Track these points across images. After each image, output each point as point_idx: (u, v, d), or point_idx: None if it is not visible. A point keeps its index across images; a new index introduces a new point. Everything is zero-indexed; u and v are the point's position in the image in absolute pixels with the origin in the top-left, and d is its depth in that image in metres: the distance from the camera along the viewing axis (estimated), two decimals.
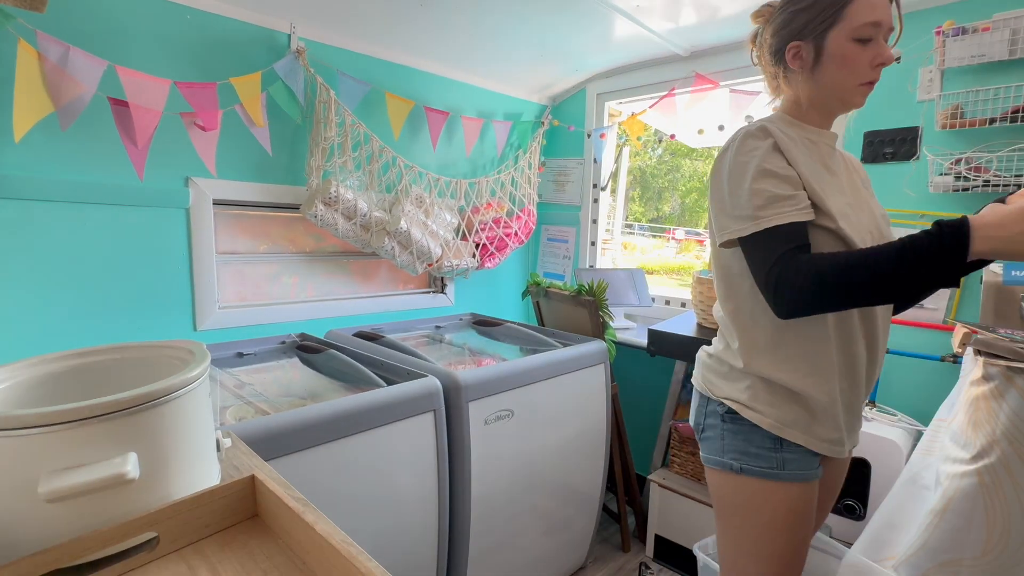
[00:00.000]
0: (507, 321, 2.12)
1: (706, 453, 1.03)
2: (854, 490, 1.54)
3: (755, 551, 0.98)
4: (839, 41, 0.88)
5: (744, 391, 0.97)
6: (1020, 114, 1.42)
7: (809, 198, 0.87)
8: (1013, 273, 1.45)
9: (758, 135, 0.89)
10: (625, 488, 2.11)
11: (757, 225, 0.84)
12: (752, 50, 1.06)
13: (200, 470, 0.62)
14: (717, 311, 1.07)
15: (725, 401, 0.99)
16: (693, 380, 1.12)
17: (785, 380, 0.93)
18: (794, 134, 0.93)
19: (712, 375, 1.04)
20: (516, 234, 2.43)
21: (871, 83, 0.90)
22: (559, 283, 2.14)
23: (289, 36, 1.79)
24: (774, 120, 0.95)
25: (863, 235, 0.90)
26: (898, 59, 1.60)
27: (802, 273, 0.80)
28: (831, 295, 0.80)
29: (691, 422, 1.10)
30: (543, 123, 2.61)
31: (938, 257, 0.75)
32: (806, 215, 0.85)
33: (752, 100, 1.94)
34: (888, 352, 1.65)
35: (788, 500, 0.95)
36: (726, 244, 0.92)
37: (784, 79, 0.97)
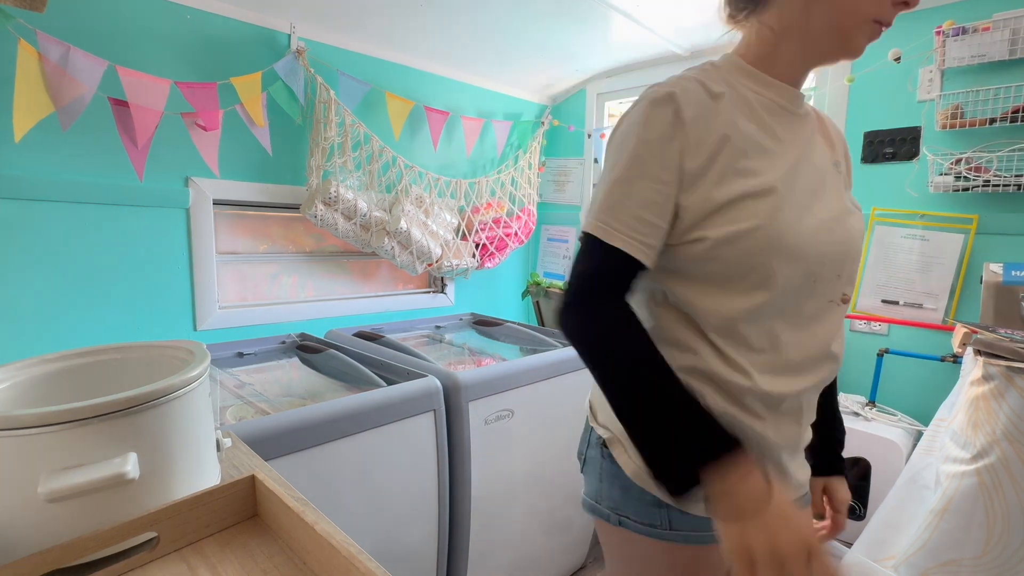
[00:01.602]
0: (507, 321, 2.12)
1: (583, 494, 0.80)
2: (854, 490, 1.54)
3: None
4: None
5: (612, 421, 0.74)
6: (1020, 114, 1.42)
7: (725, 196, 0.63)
8: (1013, 273, 1.45)
9: (661, 102, 0.64)
10: None
11: (596, 229, 0.64)
12: None
13: (200, 470, 0.62)
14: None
15: (600, 434, 0.76)
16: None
17: None
18: (743, 92, 0.68)
19: (594, 398, 0.81)
20: (516, 234, 2.43)
21: (881, 25, 0.65)
22: (559, 283, 2.13)
23: (289, 36, 1.79)
24: (713, 72, 0.69)
25: (813, 238, 0.65)
26: (898, 59, 1.56)
27: (582, 328, 0.64)
28: (596, 360, 0.64)
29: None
30: (543, 123, 2.61)
31: (674, 454, 0.59)
32: (644, 254, 0.64)
33: None
34: (888, 352, 1.66)
35: (679, 567, 0.72)
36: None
37: (754, 4, 0.69)
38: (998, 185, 1.45)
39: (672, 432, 0.59)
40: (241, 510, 0.60)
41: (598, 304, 0.64)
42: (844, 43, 0.66)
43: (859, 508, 1.53)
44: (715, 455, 0.57)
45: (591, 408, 0.82)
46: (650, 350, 0.63)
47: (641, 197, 0.64)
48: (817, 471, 0.86)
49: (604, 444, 0.75)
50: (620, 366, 0.62)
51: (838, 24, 0.65)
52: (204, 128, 1.58)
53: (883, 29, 0.65)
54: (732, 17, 0.73)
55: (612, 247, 0.63)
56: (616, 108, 2.57)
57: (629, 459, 0.72)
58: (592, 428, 0.80)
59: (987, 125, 1.47)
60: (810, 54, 0.69)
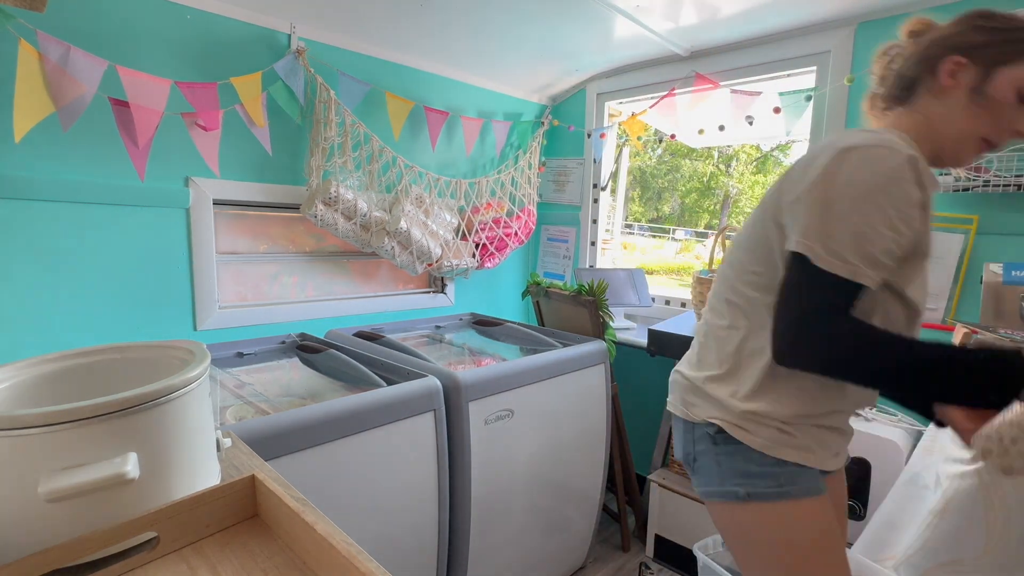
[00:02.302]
0: (507, 321, 2.12)
1: (704, 486, 0.91)
2: (854, 490, 1.54)
3: None
4: (1006, 83, 0.76)
5: (719, 407, 0.88)
6: None
7: (913, 254, 0.77)
8: (1013, 273, 1.45)
9: (906, 161, 0.73)
10: (625, 488, 2.11)
11: (844, 269, 0.71)
12: (881, 60, 0.91)
13: (200, 470, 0.62)
14: (701, 330, 0.97)
15: (709, 421, 0.89)
16: (670, 407, 1.00)
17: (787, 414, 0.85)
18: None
19: (691, 394, 0.93)
20: (516, 234, 2.43)
21: (990, 146, 0.78)
22: (559, 283, 2.14)
23: (289, 36, 1.79)
24: (905, 142, 0.77)
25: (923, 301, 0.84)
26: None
27: (840, 338, 0.71)
28: (850, 369, 0.73)
29: (678, 455, 0.99)
30: (543, 123, 2.61)
31: (982, 377, 0.68)
32: (876, 283, 0.74)
33: (753, 100, 1.94)
34: None
35: (811, 517, 0.84)
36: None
37: (909, 94, 0.84)
38: (998, 185, 1.45)
39: (978, 369, 0.68)
40: (241, 510, 0.60)
41: (849, 322, 0.73)
42: (953, 153, 0.81)
43: (859, 508, 1.53)
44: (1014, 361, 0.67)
45: (686, 409, 0.93)
46: (901, 335, 0.72)
47: (889, 241, 0.75)
48: None
49: (718, 431, 0.87)
50: (909, 352, 0.71)
51: (953, 137, 0.80)
52: (204, 128, 1.58)
53: (992, 149, 0.79)
54: (872, 107, 0.92)
55: (848, 281, 0.73)
56: (616, 108, 2.57)
57: (753, 435, 0.84)
58: (695, 425, 0.91)
59: None
60: (931, 153, 0.83)
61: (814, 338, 0.72)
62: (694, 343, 1.00)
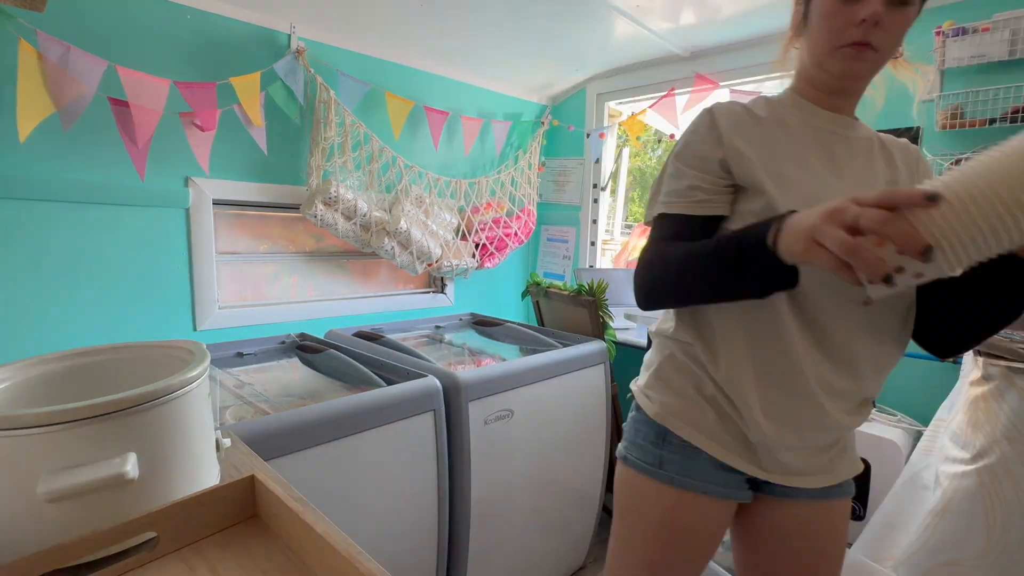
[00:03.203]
0: (507, 321, 2.12)
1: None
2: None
3: (623, 552, 0.88)
4: None
5: (648, 376, 0.90)
6: (1020, 114, 1.42)
7: (743, 185, 0.77)
8: None
9: (702, 115, 0.83)
10: None
11: (651, 212, 0.84)
12: None
13: (200, 470, 0.62)
14: None
15: (631, 389, 0.94)
16: None
17: (686, 350, 0.83)
18: (778, 114, 0.81)
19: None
20: (516, 234, 2.43)
21: (855, 45, 0.71)
22: (559, 283, 2.13)
23: (289, 36, 1.79)
24: (762, 99, 0.85)
25: None
26: (899, 58, 1.57)
27: (643, 262, 0.80)
28: (658, 284, 0.78)
29: None
30: (543, 123, 2.61)
31: (753, 247, 0.66)
32: (700, 208, 0.78)
33: None
34: None
35: (660, 506, 0.83)
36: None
37: (793, 46, 0.87)
38: None
39: (745, 242, 0.68)
40: (241, 510, 0.60)
41: (655, 248, 0.81)
42: (825, 70, 0.77)
43: (859, 508, 1.53)
44: (768, 228, 0.64)
45: (635, 387, 0.94)
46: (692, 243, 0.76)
47: (680, 173, 0.84)
48: None
49: (637, 403, 0.90)
50: (688, 251, 0.75)
51: (816, 59, 0.78)
52: (201, 128, 1.58)
53: (863, 49, 0.72)
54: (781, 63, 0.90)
55: (659, 216, 0.83)
56: (616, 108, 2.57)
57: (650, 402, 0.86)
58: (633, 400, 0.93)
59: (987, 126, 1.47)
60: (820, 86, 0.81)
61: (638, 272, 0.80)
62: None
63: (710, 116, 0.81)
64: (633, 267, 0.92)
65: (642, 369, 0.95)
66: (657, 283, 0.78)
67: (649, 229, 0.84)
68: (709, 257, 0.71)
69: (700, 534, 0.83)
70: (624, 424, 0.94)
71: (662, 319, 0.92)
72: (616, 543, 0.90)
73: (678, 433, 0.82)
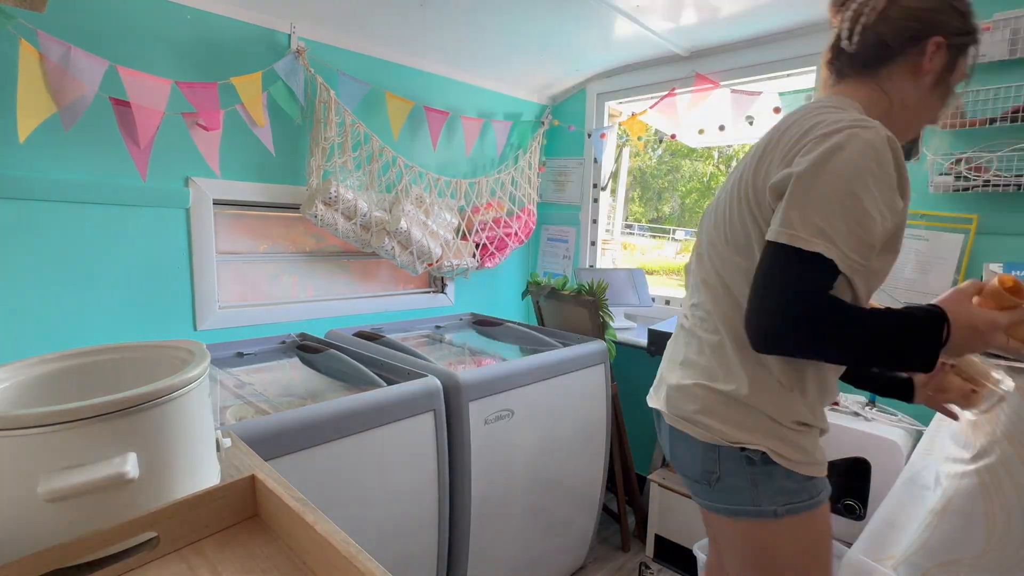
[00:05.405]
0: (507, 321, 2.12)
1: (732, 504, 0.88)
2: (854, 490, 1.54)
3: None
4: (960, 74, 0.78)
5: (766, 433, 0.83)
6: (1020, 114, 1.42)
7: (887, 246, 0.78)
8: (1013, 273, 1.45)
9: (884, 144, 0.72)
10: (625, 488, 2.11)
11: (839, 257, 0.71)
12: (844, 10, 0.83)
13: (200, 470, 0.62)
14: (709, 330, 0.89)
15: (748, 447, 0.84)
16: (670, 415, 0.94)
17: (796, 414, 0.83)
18: None
19: (714, 418, 0.87)
20: (516, 234, 2.43)
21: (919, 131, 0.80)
22: (560, 279, 2.13)
23: (289, 36, 1.79)
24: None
25: None
26: None
27: (825, 314, 0.71)
28: (830, 344, 0.73)
29: (687, 469, 0.95)
30: (543, 123, 2.61)
31: (927, 340, 0.73)
32: (858, 276, 0.76)
33: (753, 100, 1.94)
34: None
35: (827, 517, 0.89)
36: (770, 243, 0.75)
37: (880, 63, 0.80)
38: (998, 185, 1.45)
39: (921, 333, 0.73)
40: (241, 510, 0.60)
41: (830, 300, 0.75)
42: (904, 133, 0.80)
43: (859, 508, 1.53)
44: (939, 320, 0.73)
45: (720, 430, 0.86)
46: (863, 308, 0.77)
47: (877, 225, 0.77)
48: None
49: (761, 456, 0.83)
50: (873, 322, 0.74)
51: (915, 122, 0.83)
52: (205, 128, 1.58)
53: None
54: (833, 73, 0.87)
55: (833, 263, 0.75)
56: (616, 108, 2.57)
57: (788, 460, 0.83)
58: (722, 447, 0.86)
59: (987, 125, 1.47)
60: (901, 131, 0.81)
61: (804, 319, 0.71)
62: (700, 349, 0.92)
63: (894, 152, 0.72)
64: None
65: (727, 421, 0.86)
66: (834, 342, 0.73)
67: (783, 253, 0.72)
68: (897, 335, 0.73)
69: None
70: (728, 484, 0.88)
71: (757, 387, 0.84)
72: None
73: (818, 475, 0.86)
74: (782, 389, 0.83)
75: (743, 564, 0.91)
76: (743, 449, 0.84)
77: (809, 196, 0.71)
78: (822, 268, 0.71)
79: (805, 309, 0.71)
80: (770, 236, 0.74)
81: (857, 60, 0.82)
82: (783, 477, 0.84)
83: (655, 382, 1.05)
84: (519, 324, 2.04)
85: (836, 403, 1.70)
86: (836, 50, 0.85)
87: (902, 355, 0.73)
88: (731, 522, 0.89)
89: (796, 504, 0.84)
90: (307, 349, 1.68)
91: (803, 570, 0.88)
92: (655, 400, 1.01)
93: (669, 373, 0.98)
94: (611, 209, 2.72)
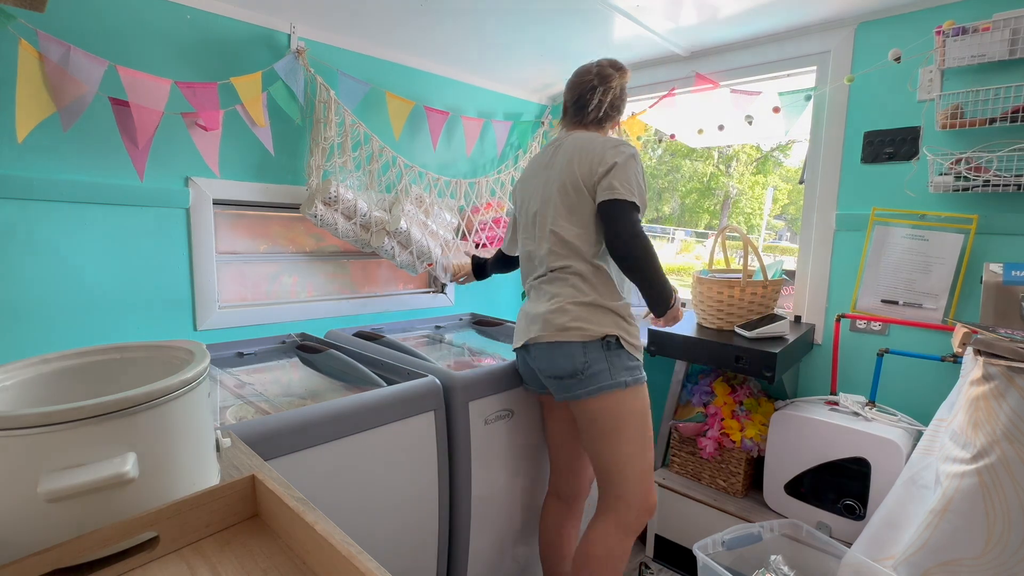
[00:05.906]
0: (507, 321, 2.12)
1: (596, 384, 1.27)
2: (854, 490, 1.54)
3: (647, 441, 1.34)
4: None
5: (614, 324, 1.29)
6: (1020, 114, 1.42)
7: None
8: (1013, 273, 1.45)
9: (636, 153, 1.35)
10: None
11: (634, 196, 1.27)
12: (596, 91, 1.41)
13: (200, 470, 0.62)
14: (567, 262, 1.33)
15: (607, 336, 1.28)
16: (550, 334, 1.31)
17: (626, 310, 1.34)
18: None
19: (583, 322, 1.28)
20: None
21: None
22: None
23: (289, 36, 1.79)
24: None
25: None
26: (898, 59, 1.66)
27: (650, 248, 1.27)
28: (650, 265, 1.27)
29: (561, 370, 1.30)
30: (543, 123, 2.61)
31: (665, 299, 1.33)
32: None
33: (752, 100, 1.94)
34: (888, 352, 1.66)
35: (646, 391, 1.36)
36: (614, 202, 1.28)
37: (605, 120, 1.45)
38: (998, 185, 1.45)
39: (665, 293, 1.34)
40: (241, 510, 0.60)
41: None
42: None
43: (859, 508, 1.53)
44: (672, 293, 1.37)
45: (582, 331, 1.28)
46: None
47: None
48: None
49: (616, 342, 1.28)
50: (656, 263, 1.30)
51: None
52: (205, 128, 1.58)
53: None
54: (583, 120, 1.47)
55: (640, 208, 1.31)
56: None
57: (629, 343, 1.31)
58: (586, 343, 1.28)
59: (987, 125, 1.47)
60: None
61: (642, 244, 1.24)
62: (548, 285, 1.37)
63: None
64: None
65: (592, 323, 1.29)
66: (651, 263, 1.27)
67: (629, 206, 1.26)
68: (662, 280, 1.32)
69: None
70: (591, 371, 1.27)
71: (606, 295, 1.33)
72: (643, 441, 1.33)
73: (639, 356, 1.34)
74: (618, 294, 1.33)
75: (601, 432, 1.31)
76: (604, 338, 1.27)
77: (626, 174, 1.28)
78: (637, 215, 1.28)
79: (645, 238, 1.26)
80: (615, 196, 1.26)
81: (591, 117, 1.43)
82: (627, 357, 1.30)
83: (518, 329, 1.42)
84: None
85: (836, 403, 1.70)
86: (579, 111, 1.44)
87: (662, 288, 1.31)
88: (592, 400, 1.29)
89: (636, 377, 1.31)
90: (307, 349, 1.68)
91: (640, 426, 1.32)
92: (524, 338, 1.37)
93: (535, 310, 1.35)
94: None
